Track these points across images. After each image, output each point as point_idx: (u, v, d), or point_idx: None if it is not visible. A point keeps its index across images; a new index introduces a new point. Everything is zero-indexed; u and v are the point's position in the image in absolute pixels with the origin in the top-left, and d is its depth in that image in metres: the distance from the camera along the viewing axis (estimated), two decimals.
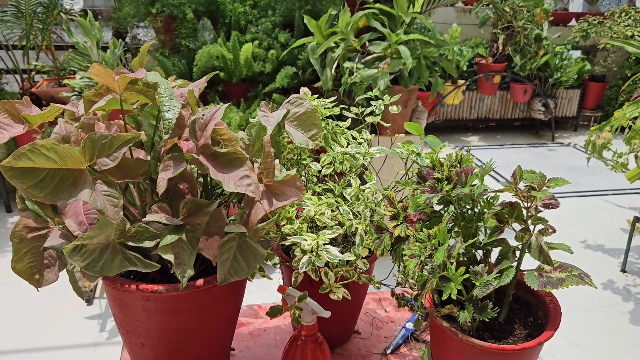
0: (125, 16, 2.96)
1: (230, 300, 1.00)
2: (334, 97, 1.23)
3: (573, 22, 5.68)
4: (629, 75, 5.50)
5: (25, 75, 3.46)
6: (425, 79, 2.66)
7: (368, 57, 2.53)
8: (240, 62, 2.87)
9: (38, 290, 0.82)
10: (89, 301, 2.51)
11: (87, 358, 2.19)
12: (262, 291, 2.54)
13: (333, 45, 2.63)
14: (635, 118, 2.66)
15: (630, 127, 2.64)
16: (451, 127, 5.57)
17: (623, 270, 3.01)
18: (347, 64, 2.51)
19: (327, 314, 1.02)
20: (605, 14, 5.24)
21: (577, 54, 5.63)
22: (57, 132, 0.82)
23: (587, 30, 5.18)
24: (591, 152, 3.08)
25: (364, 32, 2.66)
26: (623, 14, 5.21)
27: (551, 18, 5.00)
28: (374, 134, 1.15)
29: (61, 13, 2.99)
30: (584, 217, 3.65)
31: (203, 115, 0.83)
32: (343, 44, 2.55)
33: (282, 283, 1.17)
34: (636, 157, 2.88)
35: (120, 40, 2.62)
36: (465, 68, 4.95)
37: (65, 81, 2.48)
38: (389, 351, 1.20)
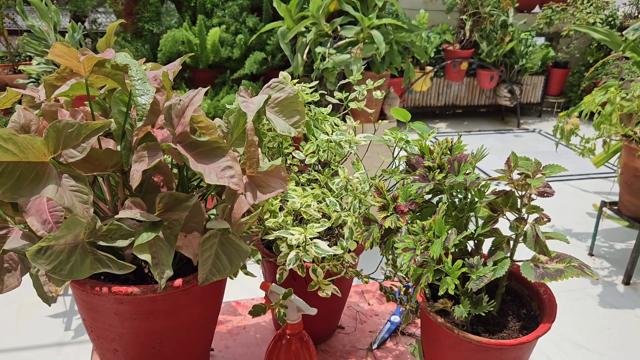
0: None
1: (211, 300, 0.93)
2: (314, 84, 1.17)
3: (537, 9, 5.73)
4: (590, 61, 5.60)
5: None
6: (397, 65, 2.62)
7: (340, 42, 2.46)
8: (207, 48, 2.77)
9: None
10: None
11: (52, 358, 2.08)
12: (235, 285, 2.47)
13: (304, 29, 2.55)
14: (604, 104, 2.68)
15: (599, 113, 2.66)
16: (419, 114, 5.56)
17: (590, 254, 3.06)
18: (319, 49, 2.44)
19: (313, 311, 0.97)
20: (568, 0, 5.30)
21: (541, 40, 5.69)
22: (15, 121, 0.73)
23: (551, 16, 5.24)
24: (559, 137, 3.10)
25: (335, 16, 2.59)
26: (585, 1, 5.28)
27: (517, 4, 5.03)
28: (358, 121, 1.09)
29: None
30: (551, 202, 3.69)
31: (180, 100, 0.75)
32: (314, 29, 2.48)
33: (262, 279, 1.11)
34: (604, 142, 2.91)
35: (80, 24, 2.48)
36: (432, 54, 4.94)
37: (21, 67, 2.34)
38: (374, 346, 1.15)
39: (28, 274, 0.78)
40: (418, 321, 1.23)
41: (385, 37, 2.43)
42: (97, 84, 0.79)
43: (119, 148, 0.81)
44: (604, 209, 2.97)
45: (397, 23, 2.45)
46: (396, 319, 1.21)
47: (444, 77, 5.21)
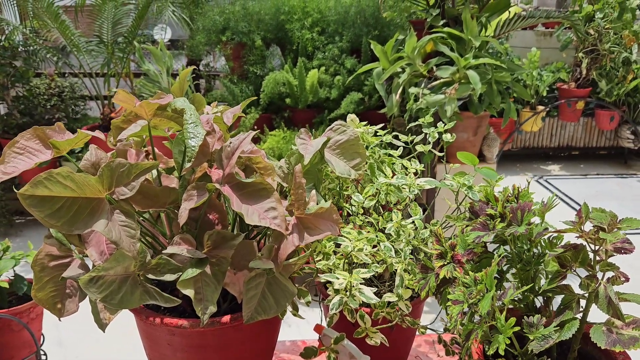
0: (197, 44, 3.05)
1: (262, 338, 0.94)
2: (381, 124, 1.16)
3: None
4: None
5: (106, 102, 3.64)
6: (497, 105, 2.53)
7: (435, 83, 2.43)
8: (306, 88, 2.87)
9: (60, 320, 0.81)
10: None
11: None
12: (306, 325, 2.47)
13: (399, 70, 2.56)
14: None
15: None
16: (529, 155, 5.29)
17: None
18: (412, 90, 2.43)
19: (365, 359, 0.94)
20: None
21: None
22: (87, 159, 0.81)
23: None
24: None
25: (431, 56, 2.58)
26: None
27: None
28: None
29: (134, 42, 3.13)
30: None
31: (230, 143, 0.79)
32: (409, 69, 2.47)
33: (322, 321, 1.10)
34: None
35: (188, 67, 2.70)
36: (545, 93, 4.70)
37: None
38: None
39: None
40: None
41: (482, 77, 2.36)
42: (161, 126, 0.85)
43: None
44: None
45: (495, 62, 2.38)
46: None
47: (558, 117, 4.93)
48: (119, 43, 3.46)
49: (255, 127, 2.89)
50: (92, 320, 0.78)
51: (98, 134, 0.82)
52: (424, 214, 1.02)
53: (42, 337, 1.83)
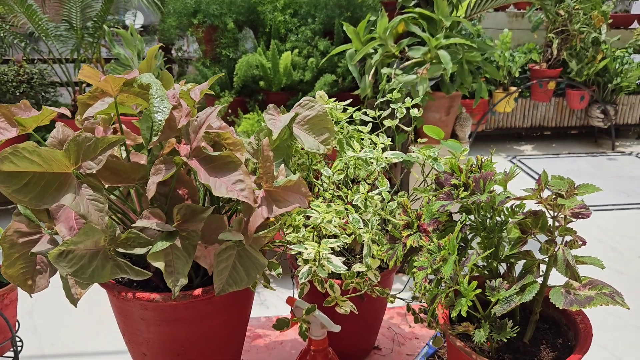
0: (168, 28, 3.01)
1: (234, 311, 0.96)
2: (348, 100, 1.17)
3: (635, 25, 5.38)
4: None
5: (77, 88, 3.58)
6: (468, 85, 2.56)
7: (407, 63, 2.45)
8: (280, 71, 2.86)
9: (31, 297, 0.81)
10: None
11: None
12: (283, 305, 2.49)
13: (371, 51, 2.57)
14: None
15: None
16: (503, 136, 5.37)
17: None
18: (384, 70, 2.45)
19: (336, 328, 0.96)
20: None
21: (639, 58, 5.31)
22: (54, 136, 0.81)
23: None
24: None
25: (403, 37, 2.59)
26: None
27: (610, 21, 4.75)
28: (389, 140, 1.09)
29: (104, 26, 3.08)
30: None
31: (197, 117, 0.79)
32: (381, 50, 2.49)
33: (295, 295, 1.12)
34: None
35: (161, 51, 2.67)
36: (517, 74, 4.77)
37: None
38: None
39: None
40: None
41: (453, 57, 2.39)
42: (128, 102, 0.86)
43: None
44: None
45: (466, 42, 2.41)
46: None
47: (530, 98, 5.00)
48: (89, 28, 3.40)
49: (229, 110, 2.88)
50: (67, 308, 0.79)
51: (63, 110, 0.82)
52: (392, 188, 1.05)
53: (17, 323, 1.82)
